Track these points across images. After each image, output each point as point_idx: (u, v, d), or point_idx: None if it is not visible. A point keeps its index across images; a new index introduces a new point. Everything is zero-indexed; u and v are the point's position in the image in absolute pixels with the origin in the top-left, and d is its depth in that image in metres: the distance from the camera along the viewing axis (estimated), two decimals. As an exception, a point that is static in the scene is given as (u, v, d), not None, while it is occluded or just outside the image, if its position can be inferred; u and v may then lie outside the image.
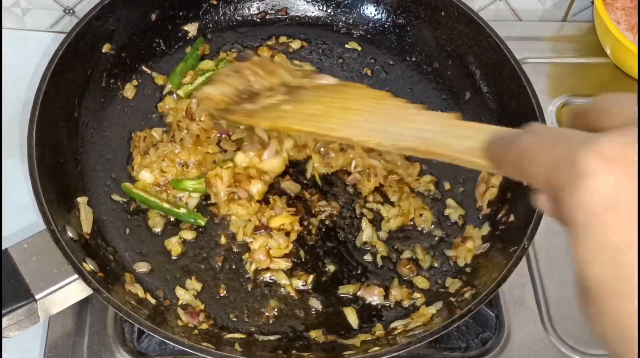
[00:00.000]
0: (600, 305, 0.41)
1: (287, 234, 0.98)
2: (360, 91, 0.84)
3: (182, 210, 0.98)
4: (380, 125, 0.72)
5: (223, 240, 0.98)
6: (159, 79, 1.11)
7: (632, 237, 0.38)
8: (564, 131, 0.45)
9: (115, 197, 1.00)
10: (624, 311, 0.39)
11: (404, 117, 0.71)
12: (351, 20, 1.20)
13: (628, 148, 0.39)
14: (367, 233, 1.00)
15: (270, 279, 0.96)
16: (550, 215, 0.48)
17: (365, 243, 1.00)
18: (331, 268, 0.98)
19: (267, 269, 0.96)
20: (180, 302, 0.93)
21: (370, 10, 1.20)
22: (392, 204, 1.03)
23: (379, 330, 0.92)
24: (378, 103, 0.78)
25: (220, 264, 0.97)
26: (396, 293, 0.96)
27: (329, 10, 1.21)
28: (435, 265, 0.99)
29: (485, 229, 1.01)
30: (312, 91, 0.88)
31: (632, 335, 0.39)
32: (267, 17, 1.20)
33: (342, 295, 0.96)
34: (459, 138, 0.61)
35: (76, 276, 0.85)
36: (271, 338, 0.91)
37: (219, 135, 1.04)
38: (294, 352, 0.89)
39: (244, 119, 0.87)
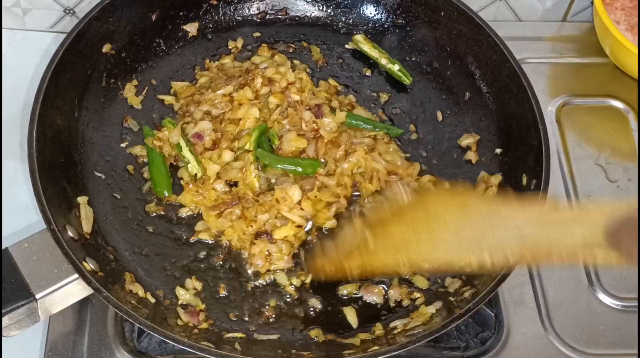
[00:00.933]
0: None
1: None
2: (439, 199, 0.75)
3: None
4: (472, 238, 0.65)
5: (223, 240, 0.98)
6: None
7: None
8: None
9: (116, 196, 1.00)
10: None
11: (498, 221, 0.63)
12: (351, 21, 1.20)
13: None
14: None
15: (270, 279, 0.96)
16: None
17: (365, 242, 1.00)
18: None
19: (267, 270, 0.96)
20: (180, 301, 0.93)
21: (370, 11, 1.20)
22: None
23: (378, 329, 0.92)
24: (463, 208, 0.69)
25: (221, 263, 0.97)
26: (396, 292, 0.96)
27: (329, 10, 1.21)
28: (435, 264, 0.99)
29: (485, 229, 1.01)
30: (390, 216, 0.80)
31: None
32: (267, 17, 1.20)
33: (341, 295, 0.96)
34: (568, 228, 0.55)
35: (76, 275, 0.85)
36: (271, 337, 0.91)
37: None
38: (293, 351, 0.89)
39: (334, 265, 0.84)
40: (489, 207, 0.67)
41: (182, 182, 1.01)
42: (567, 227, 0.55)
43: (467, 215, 0.67)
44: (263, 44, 1.17)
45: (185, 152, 1.01)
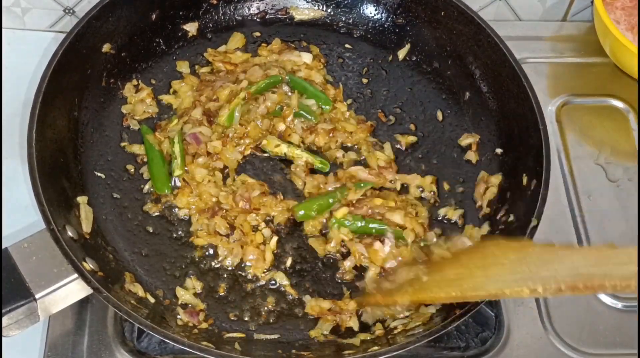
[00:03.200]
0: None
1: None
2: (498, 247, 0.82)
3: None
4: (527, 273, 0.72)
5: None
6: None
7: None
8: None
9: (116, 196, 1.00)
10: None
11: (554, 259, 0.72)
12: (351, 20, 1.20)
13: None
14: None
15: (270, 279, 0.96)
16: None
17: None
18: (330, 267, 0.98)
19: (267, 270, 0.96)
20: (180, 301, 0.93)
21: (370, 10, 1.20)
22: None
23: (378, 329, 0.92)
24: (521, 253, 0.77)
25: (220, 263, 0.97)
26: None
27: (329, 10, 1.21)
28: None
29: (485, 229, 1.01)
30: (450, 257, 0.89)
31: None
32: (267, 16, 1.20)
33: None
34: (618, 265, 0.62)
35: (76, 275, 0.85)
36: (271, 337, 0.91)
37: None
38: (293, 351, 0.89)
39: (386, 300, 0.89)
40: (546, 249, 0.74)
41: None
42: (621, 264, 0.62)
43: (524, 258, 0.74)
44: (263, 44, 1.17)
45: (176, 149, 1.01)
